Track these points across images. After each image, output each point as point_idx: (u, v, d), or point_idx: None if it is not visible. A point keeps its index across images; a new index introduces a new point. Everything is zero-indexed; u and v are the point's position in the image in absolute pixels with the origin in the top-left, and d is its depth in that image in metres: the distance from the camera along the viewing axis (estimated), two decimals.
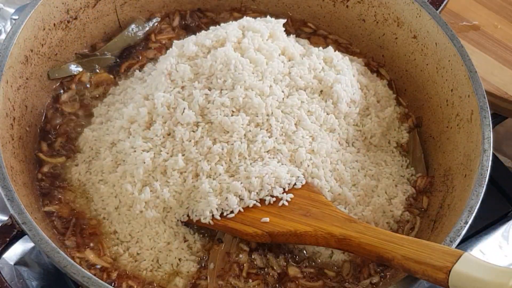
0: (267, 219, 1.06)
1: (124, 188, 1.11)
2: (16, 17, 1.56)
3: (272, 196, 1.09)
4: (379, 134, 1.26)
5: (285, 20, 1.30)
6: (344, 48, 1.45)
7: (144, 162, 1.10)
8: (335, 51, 1.30)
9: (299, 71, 1.20)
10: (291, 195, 1.09)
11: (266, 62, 1.18)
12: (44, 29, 1.23)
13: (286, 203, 1.08)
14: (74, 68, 1.31)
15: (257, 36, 1.21)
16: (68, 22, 1.29)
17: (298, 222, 1.05)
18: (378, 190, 1.19)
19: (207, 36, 1.22)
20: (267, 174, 1.09)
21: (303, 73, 1.21)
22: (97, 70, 1.33)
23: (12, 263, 1.23)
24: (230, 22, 1.27)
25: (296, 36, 1.38)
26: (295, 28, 1.47)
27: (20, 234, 0.97)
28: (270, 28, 1.25)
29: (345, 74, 1.23)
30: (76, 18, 1.30)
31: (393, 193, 1.20)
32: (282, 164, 1.12)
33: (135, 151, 1.12)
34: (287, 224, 1.05)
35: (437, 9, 1.30)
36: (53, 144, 1.22)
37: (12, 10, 1.64)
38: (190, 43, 1.20)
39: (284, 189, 1.10)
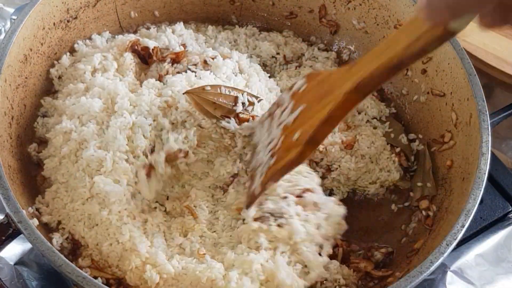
0: (297, 135, 1.04)
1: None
2: (16, 17, 1.55)
3: None
4: None
5: None
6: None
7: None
8: None
9: None
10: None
11: None
12: (43, 28, 1.23)
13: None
14: None
15: None
16: (68, 21, 1.29)
17: (319, 111, 1.01)
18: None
19: None
20: None
21: None
22: None
23: (12, 263, 1.22)
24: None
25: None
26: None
27: (16, 233, 0.97)
28: None
29: None
30: (76, 18, 1.31)
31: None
32: None
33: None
34: (314, 121, 1.01)
35: None
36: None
37: (11, 10, 1.64)
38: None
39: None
